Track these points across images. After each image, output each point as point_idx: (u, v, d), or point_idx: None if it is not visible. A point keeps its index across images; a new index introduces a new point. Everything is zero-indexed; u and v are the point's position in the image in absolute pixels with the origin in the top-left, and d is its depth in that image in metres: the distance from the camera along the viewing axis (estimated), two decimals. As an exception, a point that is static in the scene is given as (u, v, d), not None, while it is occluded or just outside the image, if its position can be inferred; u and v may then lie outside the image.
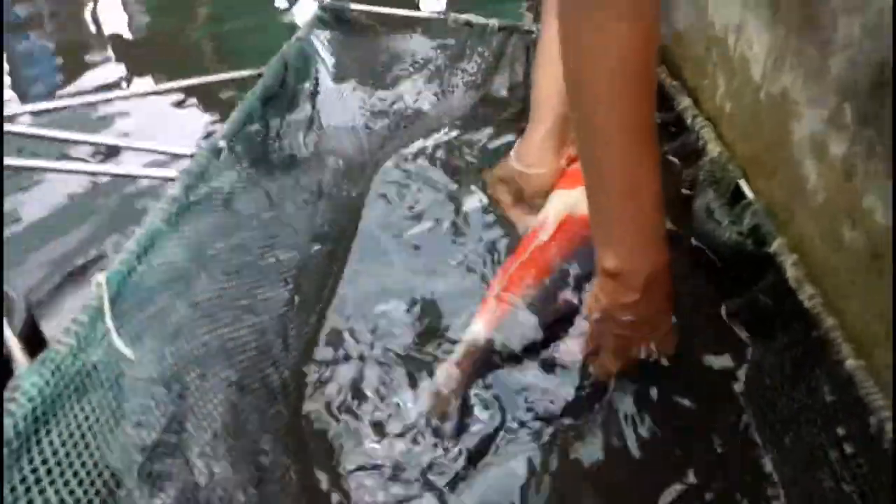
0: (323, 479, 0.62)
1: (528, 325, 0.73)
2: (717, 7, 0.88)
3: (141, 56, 1.69)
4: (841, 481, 0.54)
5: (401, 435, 0.65)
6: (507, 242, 0.88)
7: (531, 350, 0.72)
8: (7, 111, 0.90)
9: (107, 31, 1.85)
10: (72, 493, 0.45)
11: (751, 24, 0.78)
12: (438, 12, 1.28)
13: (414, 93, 1.23)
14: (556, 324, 0.75)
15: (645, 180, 0.59)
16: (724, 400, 0.69)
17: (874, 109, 0.56)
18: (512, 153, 0.92)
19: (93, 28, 1.87)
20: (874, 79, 0.56)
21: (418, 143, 1.10)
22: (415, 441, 0.65)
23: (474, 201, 0.96)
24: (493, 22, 1.24)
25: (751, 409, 0.68)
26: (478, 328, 0.72)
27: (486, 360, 0.71)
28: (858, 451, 0.53)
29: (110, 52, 1.71)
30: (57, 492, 0.45)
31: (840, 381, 0.55)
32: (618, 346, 0.66)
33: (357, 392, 0.69)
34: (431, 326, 0.76)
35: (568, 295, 0.76)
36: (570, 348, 0.73)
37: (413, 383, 0.70)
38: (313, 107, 1.03)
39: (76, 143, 0.75)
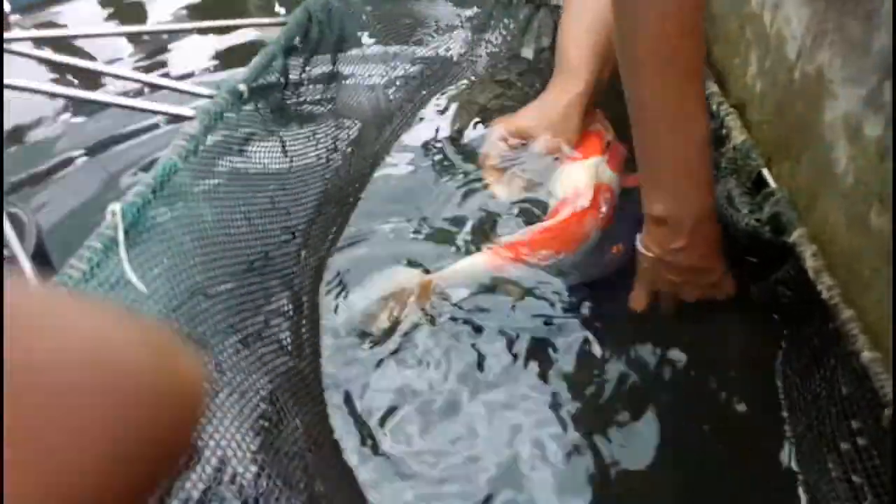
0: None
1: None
2: (754, -20, 0.86)
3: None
4: (852, 473, 0.54)
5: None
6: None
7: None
8: (27, 34, 0.89)
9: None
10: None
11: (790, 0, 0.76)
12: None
13: (436, 59, 1.22)
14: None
15: (693, 115, 0.61)
16: (749, 383, 0.68)
17: (917, 88, 0.55)
18: (527, 113, 0.89)
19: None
20: (920, 56, 0.54)
21: (437, 110, 1.09)
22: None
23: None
24: None
25: (775, 395, 0.67)
26: (481, 259, 0.72)
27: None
28: (871, 443, 0.53)
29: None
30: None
31: (856, 373, 0.55)
32: (672, 291, 0.68)
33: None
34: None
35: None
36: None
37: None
38: (334, 63, 1.02)
39: (95, 73, 0.74)
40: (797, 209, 0.70)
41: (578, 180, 0.83)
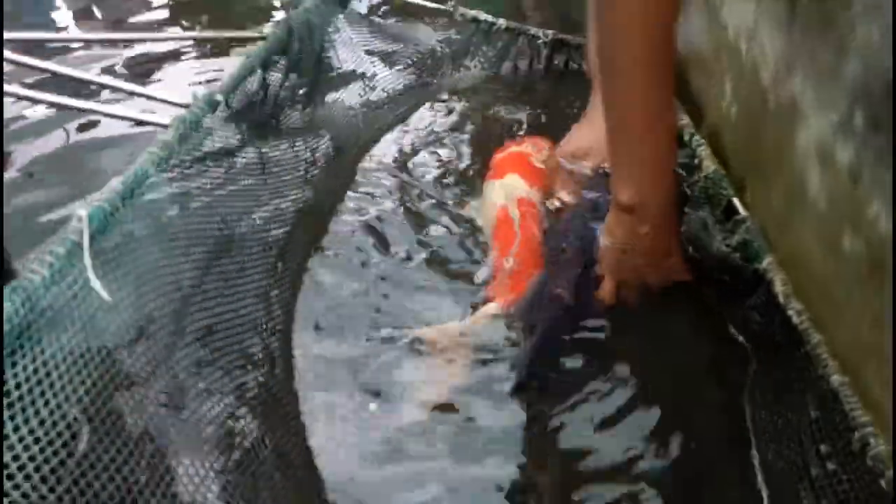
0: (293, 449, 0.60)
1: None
2: (731, 10, 0.88)
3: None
4: (822, 498, 0.54)
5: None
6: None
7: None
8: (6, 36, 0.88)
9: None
10: (31, 431, 0.43)
11: (764, 27, 0.78)
12: (446, 4, 1.27)
13: (412, 82, 1.22)
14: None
15: (665, 112, 0.67)
16: (720, 410, 0.68)
17: (886, 114, 0.56)
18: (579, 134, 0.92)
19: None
20: (889, 83, 0.56)
21: (411, 131, 1.10)
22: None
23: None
24: (501, 21, 1.24)
25: (745, 421, 0.67)
26: (493, 307, 0.74)
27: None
28: (841, 467, 0.53)
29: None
30: (17, 428, 0.43)
31: (825, 397, 0.55)
32: (635, 277, 0.73)
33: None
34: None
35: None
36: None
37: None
38: (313, 79, 1.02)
39: (71, 79, 0.73)
40: (768, 236, 0.72)
41: (497, 197, 0.88)
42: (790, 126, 0.70)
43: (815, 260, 0.64)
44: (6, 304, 0.43)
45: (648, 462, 0.63)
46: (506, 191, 0.90)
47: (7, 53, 0.80)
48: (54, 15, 1.57)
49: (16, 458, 0.41)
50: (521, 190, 0.89)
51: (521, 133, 1.09)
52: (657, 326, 0.76)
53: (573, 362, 0.72)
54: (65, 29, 1.48)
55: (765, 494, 0.61)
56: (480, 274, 0.81)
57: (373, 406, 0.66)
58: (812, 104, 0.67)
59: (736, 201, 0.78)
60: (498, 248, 0.83)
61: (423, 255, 0.85)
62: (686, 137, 0.89)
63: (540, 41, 1.23)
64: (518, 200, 0.88)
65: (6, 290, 0.43)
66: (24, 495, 0.41)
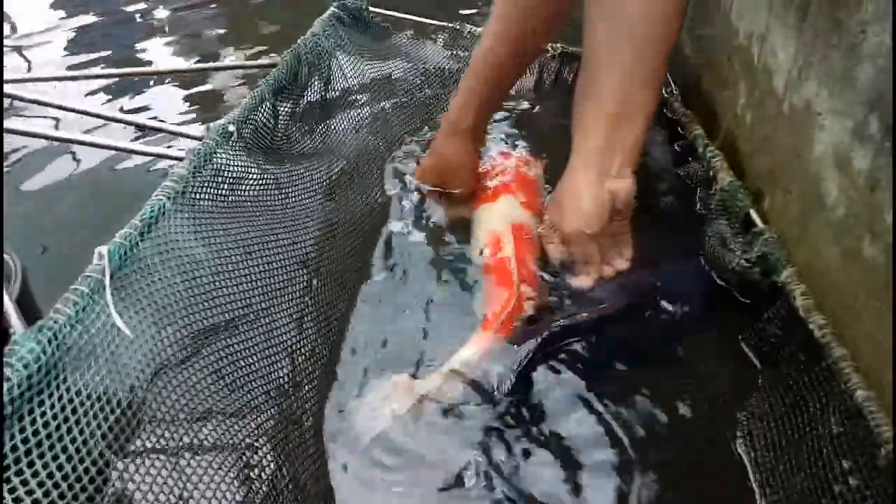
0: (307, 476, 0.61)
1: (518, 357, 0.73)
2: (741, 14, 0.89)
3: (171, 35, 1.71)
4: None
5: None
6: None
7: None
8: (18, 76, 0.91)
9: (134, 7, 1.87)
10: (60, 468, 0.45)
11: (776, 32, 0.78)
12: (455, 23, 1.29)
13: (422, 99, 1.24)
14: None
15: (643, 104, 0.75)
16: (732, 429, 0.68)
17: (899, 120, 0.56)
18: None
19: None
20: (902, 88, 0.56)
21: (424, 146, 1.11)
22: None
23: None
24: None
25: (757, 438, 0.66)
26: (469, 353, 0.72)
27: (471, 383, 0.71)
28: (864, 483, 0.53)
29: (134, 29, 1.74)
30: (45, 465, 0.44)
31: (848, 412, 0.55)
32: (595, 259, 0.78)
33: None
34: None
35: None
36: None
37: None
38: (323, 103, 1.04)
39: (85, 114, 0.76)
40: (787, 244, 0.72)
41: (495, 225, 0.87)
42: (806, 132, 0.70)
43: (835, 268, 0.64)
44: (34, 346, 0.44)
45: (664, 484, 0.63)
46: (500, 216, 0.88)
47: (19, 93, 0.83)
48: (67, 49, 1.62)
49: (46, 494, 0.42)
50: (517, 216, 0.88)
51: (505, 149, 1.09)
52: (670, 344, 0.77)
53: (578, 376, 0.72)
54: (76, 67, 1.52)
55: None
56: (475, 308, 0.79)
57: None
58: (827, 110, 0.67)
59: (753, 213, 0.78)
60: (491, 283, 0.81)
61: (448, 278, 0.85)
62: (700, 149, 0.90)
63: (548, 54, 1.25)
64: (512, 227, 0.85)
65: (32, 331, 0.45)
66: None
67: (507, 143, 1.13)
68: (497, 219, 0.88)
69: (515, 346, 0.73)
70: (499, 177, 0.95)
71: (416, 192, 1.00)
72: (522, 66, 0.99)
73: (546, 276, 0.82)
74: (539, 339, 0.73)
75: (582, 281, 0.79)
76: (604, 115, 0.76)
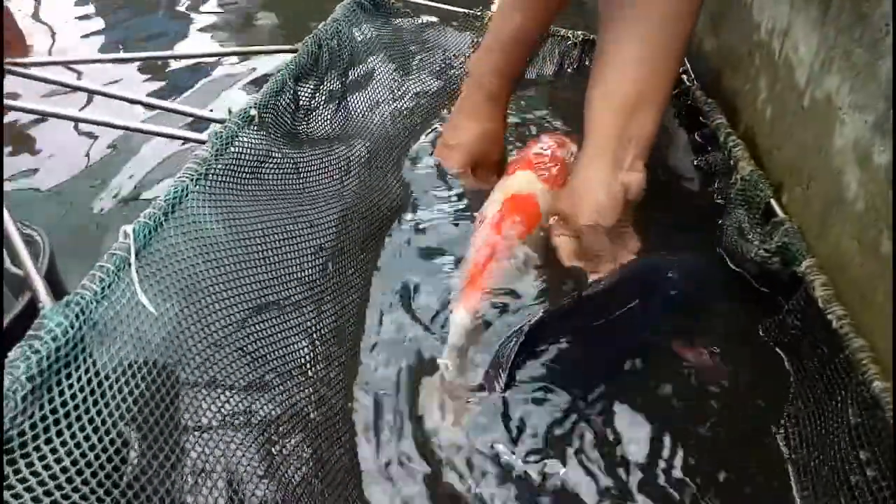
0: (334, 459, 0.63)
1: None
2: (762, 9, 0.89)
3: (196, 19, 1.73)
4: None
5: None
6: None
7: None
8: (44, 59, 0.93)
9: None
10: (87, 438, 0.46)
11: (798, 26, 0.78)
12: (475, 9, 1.29)
13: (442, 86, 1.25)
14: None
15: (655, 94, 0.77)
16: (757, 420, 0.68)
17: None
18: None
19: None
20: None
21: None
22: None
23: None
24: None
25: (784, 431, 0.67)
26: (461, 316, 0.74)
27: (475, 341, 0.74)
28: (881, 475, 0.53)
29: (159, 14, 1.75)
30: (73, 435, 0.45)
31: (866, 403, 0.55)
32: (608, 252, 0.78)
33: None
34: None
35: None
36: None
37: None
38: (343, 88, 1.05)
39: (109, 97, 0.77)
40: (806, 238, 0.72)
41: (495, 197, 0.89)
42: (826, 126, 0.70)
43: (854, 263, 0.64)
44: (62, 319, 0.46)
45: (691, 474, 0.64)
46: (502, 189, 0.89)
47: (46, 74, 0.84)
48: (93, 32, 1.64)
49: (65, 470, 0.44)
50: (522, 186, 0.88)
51: (538, 131, 1.10)
52: (688, 333, 0.77)
53: (608, 370, 0.73)
54: (102, 50, 1.53)
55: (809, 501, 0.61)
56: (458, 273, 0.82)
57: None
58: (848, 104, 0.67)
59: (774, 203, 0.78)
60: (472, 247, 0.83)
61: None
62: (722, 138, 0.89)
63: (570, 42, 1.25)
64: (513, 195, 0.87)
65: (60, 306, 0.47)
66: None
67: (529, 129, 1.14)
68: (509, 190, 0.89)
69: (527, 333, 0.74)
70: (526, 153, 0.96)
71: (437, 174, 1.00)
72: (545, 26, 0.99)
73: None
74: (559, 326, 0.74)
75: (594, 277, 0.80)
76: (617, 108, 0.77)
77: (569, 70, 1.27)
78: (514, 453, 0.65)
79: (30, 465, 0.42)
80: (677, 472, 0.64)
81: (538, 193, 0.88)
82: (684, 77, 1.06)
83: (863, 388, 0.56)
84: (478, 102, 0.96)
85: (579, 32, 1.25)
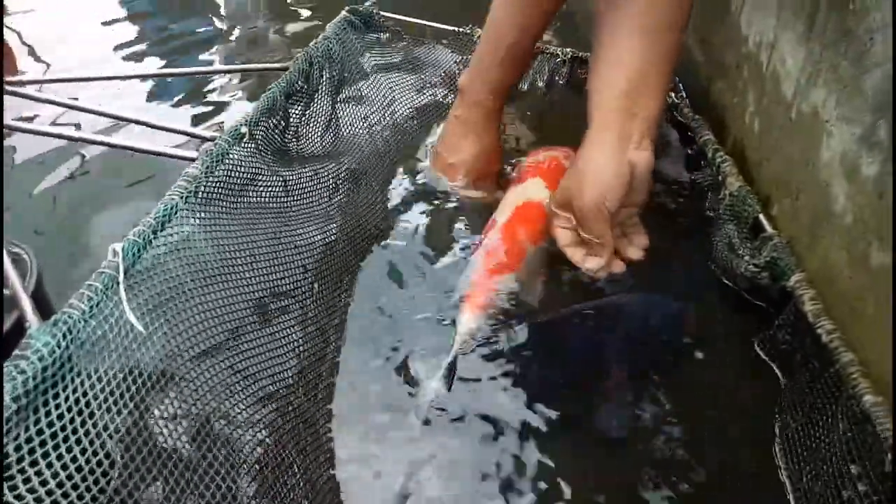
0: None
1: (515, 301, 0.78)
2: (750, 22, 0.90)
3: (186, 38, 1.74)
4: None
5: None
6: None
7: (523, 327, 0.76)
8: (31, 77, 0.93)
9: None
10: (74, 459, 0.46)
11: (785, 40, 0.79)
12: (465, 27, 1.31)
13: (433, 103, 1.25)
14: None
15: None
16: (750, 436, 0.68)
17: (908, 127, 0.57)
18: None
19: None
20: (910, 95, 0.56)
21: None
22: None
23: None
24: None
25: (777, 446, 0.67)
26: (467, 318, 0.75)
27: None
28: (872, 489, 0.53)
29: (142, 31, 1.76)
30: (60, 456, 0.45)
31: (856, 418, 0.55)
32: (608, 242, 0.75)
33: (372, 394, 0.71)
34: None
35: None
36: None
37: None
38: (333, 106, 1.05)
39: (99, 115, 0.77)
40: (796, 250, 0.72)
41: (506, 203, 0.90)
42: (814, 139, 0.71)
43: (844, 276, 0.65)
44: (49, 339, 0.45)
45: (679, 488, 0.64)
46: (514, 195, 0.90)
47: (33, 93, 0.84)
48: (81, 50, 1.64)
49: (60, 484, 0.43)
50: (535, 193, 0.89)
51: (534, 143, 1.11)
52: (682, 348, 0.77)
53: (594, 383, 0.74)
54: (90, 68, 1.54)
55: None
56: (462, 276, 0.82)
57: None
58: (835, 117, 0.68)
59: (762, 218, 0.78)
60: (480, 251, 0.84)
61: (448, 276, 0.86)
62: (710, 154, 0.90)
63: (559, 59, 1.26)
64: (524, 203, 0.88)
65: (47, 325, 0.46)
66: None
67: (518, 141, 1.15)
68: (517, 198, 0.90)
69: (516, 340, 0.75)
70: (536, 161, 0.96)
71: (429, 190, 1.01)
72: (538, 38, 0.98)
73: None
74: (546, 338, 0.74)
75: (592, 263, 0.77)
76: (620, 91, 0.75)
77: (560, 83, 1.28)
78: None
79: (13, 488, 0.41)
80: (670, 485, 0.64)
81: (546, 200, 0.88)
82: (672, 95, 1.07)
83: (853, 403, 0.56)
84: (475, 121, 0.97)
85: (568, 50, 1.26)
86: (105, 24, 1.79)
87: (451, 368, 0.71)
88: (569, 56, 1.25)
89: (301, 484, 0.60)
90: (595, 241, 0.76)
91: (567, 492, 0.63)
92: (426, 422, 0.68)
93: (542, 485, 0.64)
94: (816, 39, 0.72)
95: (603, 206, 0.73)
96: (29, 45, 1.66)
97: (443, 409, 0.69)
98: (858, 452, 0.54)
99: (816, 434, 0.62)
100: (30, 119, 1.17)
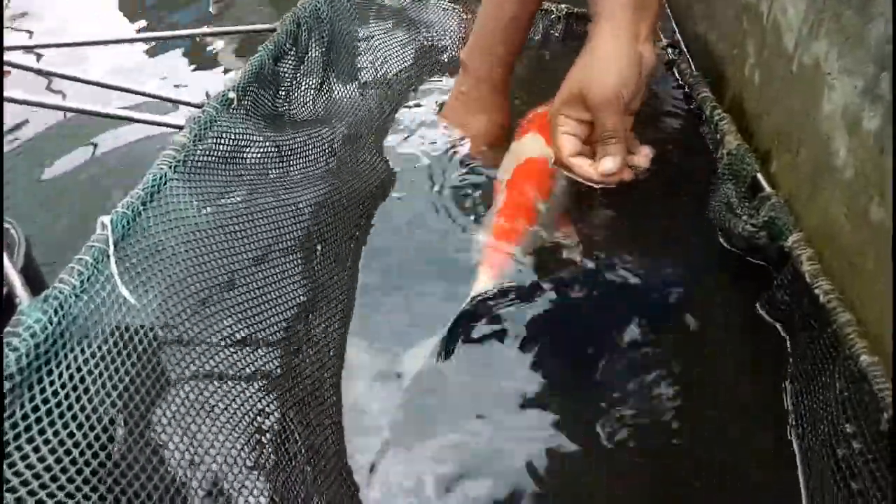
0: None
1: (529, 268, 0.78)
2: (750, -28, 0.87)
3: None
4: (850, 480, 0.54)
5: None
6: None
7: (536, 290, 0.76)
8: (22, 43, 0.91)
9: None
10: (71, 435, 0.46)
11: (786, -11, 0.77)
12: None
13: (426, 62, 1.23)
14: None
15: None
16: (755, 395, 0.69)
17: (912, 79, 0.55)
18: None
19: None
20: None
21: (428, 114, 1.11)
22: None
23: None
24: None
25: (782, 404, 0.67)
26: (485, 279, 0.75)
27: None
28: (867, 448, 0.53)
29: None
30: (56, 433, 0.45)
31: (853, 377, 0.55)
32: (623, 137, 0.75)
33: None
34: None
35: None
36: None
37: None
38: (325, 67, 1.03)
39: (84, 82, 0.75)
40: (795, 206, 0.72)
41: (507, 162, 0.89)
42: (815, 92, 0.70)
43: (844, 231, 0.64)
44: (40, 315, 0.45)
45: (682, 448, 0.64)
46: (516, 152, 0.89)
47: (15, 59, 0.82)
48: (63, 15, 1.61)
49: (58, 460, 0.44)
50: (534, 149, 0.88)
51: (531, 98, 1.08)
52: (685, 309, 0.77)
53: (601, 349, 0.73)
54: (72, 35, 1.50)
55: (803, 478, 0.61)
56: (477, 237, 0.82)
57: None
58: (837, 69, 0.66)
59: (760, 177, 0.77)
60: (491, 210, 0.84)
61: (457, 238, 0.86)
62: (707, 112, 0.89)
63: (553, 16, 1.24)
64: (526, 160, 0.87)
65: (38, 301, 0.46)
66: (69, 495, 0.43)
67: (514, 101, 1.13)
68: (516, 156, 0.89)
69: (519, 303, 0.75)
70: (534, 116, 0.94)
71: (423, 153, 0.99)
72: (537, 5, 0.97)
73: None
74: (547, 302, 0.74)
75: (607, 164, 0.75)
76: None
77: (556, 38, 1.26)
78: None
79: (12, 465, 0.41)
80: (676, 444, 0.64)
81: (549, 157, 0.87)
82: (669, 50, 1.05)
83: (850, 363, 0.56)
84: (482, 96, 0.95)
85: (563, 6, 1.23)
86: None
87: (453, 334, 0.71)
88: (563, 13, 1.23)
89: (304, 453, 0.60)
90: (609, 137, 0.75)
91: (570, 463, 0.64)
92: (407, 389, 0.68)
93: (537, 456, 0.64)
94: (819, -13, 0.70)
95: (621, 94, 0.72)
96: (8, 12, 1.63)
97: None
98: (854, 412, 0.54)
99: (816, 393, 0.62)
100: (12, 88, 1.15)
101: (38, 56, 1.21)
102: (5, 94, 0.72)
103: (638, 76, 0.73)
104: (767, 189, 0.76)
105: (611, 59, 0.73)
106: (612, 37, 0.73)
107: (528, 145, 0.89)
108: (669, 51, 1.05)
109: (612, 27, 0.74)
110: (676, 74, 1.03)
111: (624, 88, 0.72)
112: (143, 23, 1.56)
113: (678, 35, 1.08)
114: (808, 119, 0.71)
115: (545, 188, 0.84)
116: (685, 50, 1.06)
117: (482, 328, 0.73)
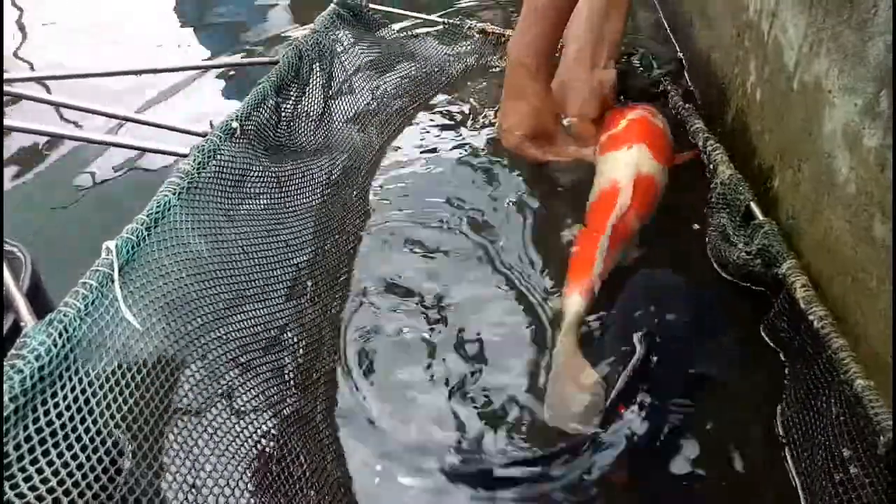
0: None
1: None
2: (750, -8, 0.90)
3: (170, 33, 1.76)
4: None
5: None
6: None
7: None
8: (24, 75, 0.94)
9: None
10: (75, 457, 0.47)
11: (787, 7, 0.79)
12: (454, 18, 1.32)
13: (422, 92, 1.27)
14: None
15: None
16: (754, 421, 0.70)
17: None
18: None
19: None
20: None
21: (426, 143, 1.14)
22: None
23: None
24: (509, 32, 1.28)
25: (779, 431, 0.68)
26: (576, 300, 0.78)
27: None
28: (863, 472, 0.54)
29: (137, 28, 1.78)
30: (61, 454, 0.46)
31: (848, 402, 0.56)
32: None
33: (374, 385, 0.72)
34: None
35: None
36: None
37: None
38: (325, 99, 1.06)
39: (92, 112, 0.78)
40: (798, 222, 0.73)
41: (618, 173, 0.89)
42: (816, 109, 0.71)
43: (846, 247, 0.65)
44: (45, 338, 0.47)
45: (683, 473, 0.65)
46: (622, 167, 0.90)
47: (26, 91, 0.85)
48: (73, 49, 1.66)
49: (61, 482, 0.45)
50: (644, 163, 0.89)
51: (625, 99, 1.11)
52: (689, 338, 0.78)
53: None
54: (80, 66, 1.55)
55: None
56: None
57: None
58: (837, 87, 0.68)
59: (754, 206, 0.79)
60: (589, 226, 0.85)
61: (453, 262, 0.89)
62: (700, 143, 0.91)
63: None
64: (638, 176, 0.87)
65: (42, 324, 0.48)
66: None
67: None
68: (622, 167, 0.90)
69: None
70: (627, 125, 0.97)
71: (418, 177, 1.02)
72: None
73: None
74: None
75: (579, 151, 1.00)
76: (593, 15, 1.01)
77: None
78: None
79: (14, 486, 0.42)
80: (678, 464, 0.65)
81: (656, 174, 0.90)
82: (665, 81, 1.08)
83: (846, 387, 0.57)
84: (522, 83, 0.98)
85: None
86: (91, 21, 1.80)
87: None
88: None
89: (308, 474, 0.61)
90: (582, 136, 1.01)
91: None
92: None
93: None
94: (819, 6, 0.72)
95: (586, 115, 1.02)
96: (14, 44, 1.69)
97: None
98: (851, 435, 0.55)
99: (813, 419, 0.63)
100: (19, 117, 1.18)
101: (47, 88, 1.25)
102: (16, 124, 0.75)
103: (598, 96, 1.02)
104: (760, 217, 0.77)
105: (575, 89, 1.03)
106: (576, 68, 1.03)
107: (640, 159, 0.90)
108: (664, 80, 1.08)
109: (577, 60, 1.02)
110: (671, 105, 1.06)
111: (587, 110, 1.02)
112: (149, 55, 1.61)
113: (680, 54, 1.10)
114: (809, 136, 0.73)
115: (648, 205, 0.87)
116: (686, 69, 1.08)
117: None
